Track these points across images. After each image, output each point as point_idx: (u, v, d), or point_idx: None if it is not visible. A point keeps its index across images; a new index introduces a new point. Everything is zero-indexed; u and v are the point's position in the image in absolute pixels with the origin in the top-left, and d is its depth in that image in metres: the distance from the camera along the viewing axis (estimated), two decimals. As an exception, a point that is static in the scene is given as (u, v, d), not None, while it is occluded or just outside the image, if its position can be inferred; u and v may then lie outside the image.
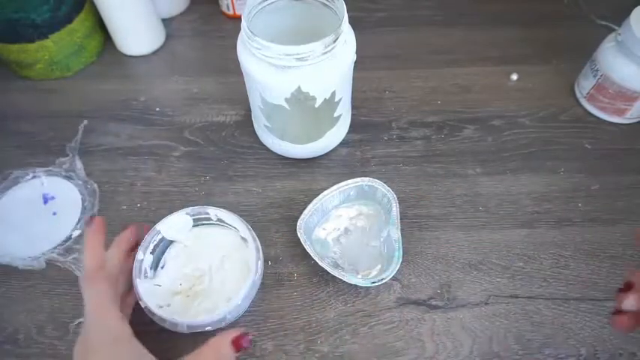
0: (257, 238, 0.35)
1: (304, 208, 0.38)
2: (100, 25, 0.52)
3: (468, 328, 0.35)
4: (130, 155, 0.45)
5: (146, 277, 0.33)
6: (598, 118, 0.47)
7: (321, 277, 0.37)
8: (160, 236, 0.35)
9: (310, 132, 0.41)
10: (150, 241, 0.34)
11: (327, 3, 0.36)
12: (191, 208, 0.36)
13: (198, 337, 0.30)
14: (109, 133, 0.46)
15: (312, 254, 0.35)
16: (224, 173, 0.43)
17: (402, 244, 0.36)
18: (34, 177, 0.43)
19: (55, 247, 0.39)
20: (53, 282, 0.38)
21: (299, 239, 0.36)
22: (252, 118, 0.44)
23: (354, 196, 0.40)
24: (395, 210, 0.37)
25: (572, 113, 0.47)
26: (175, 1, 0.57)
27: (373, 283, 0.34)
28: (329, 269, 0.35)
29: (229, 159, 0.44)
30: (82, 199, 0.41)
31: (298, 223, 0.37)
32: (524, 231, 0.39)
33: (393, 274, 0.35)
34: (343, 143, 0.45)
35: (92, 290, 0.28)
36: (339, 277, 0.35)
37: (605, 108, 0.46)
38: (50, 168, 0.43)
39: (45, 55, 0.48)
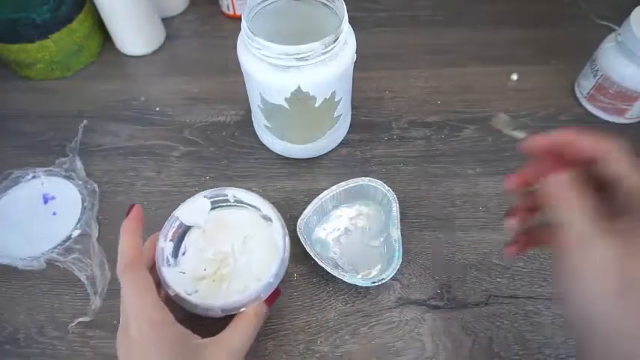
0: (280, 215, 0.34)
1: (304, 208, 0.38)
2: (99, 25, 0.52)
3: (468, 328, 0.35)
4: (130, 155, 0.45)
5: (169, 265, 0.32)
6: (598, 118, 0.47)
7: (321, 277, 0.37)
8: (178, 222, 0.34)
9: (310, 132, 0.41)
10: (169, 228, 0.33)
11: (327, 3, 0.36)
12: (209, 190, 0.35)
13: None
14: (109, 133, 0.46)
15: (312, 254, 0.35)
16: (224, 173, 0.43)
17: (402, 244, 0.36)
18: (34, 177, 0.43)
19: (55, 247, 0.39)
20: (53, 282, 0.38)
21: (299, 239, 0.36)
22: (252, 118, 0.44)
23: (355, 196, 0.40)
24: (395, 210, 0.37)
25: (572, 113, 0.47)
26: (175, 1, 0.57)
27: (373, 283, 0.34)
28: (329, 269, 0.35)
29: (229, 159, 0.44)
30: (82, 199, 0.41)
31: (298, 224, 0.37)
32: (525, 231, 0.39)
33: (393, 274, 0.35)
34: (343, 143, 0.45)
35: (132, 278, 0.27)
36: (340, 277, 0.35)
37: (605, 108, 0.45)
38: (50, 168, 0.43)
39: (45, 55, 0.48)
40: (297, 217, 0.38)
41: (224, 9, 0.57)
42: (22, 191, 0.42)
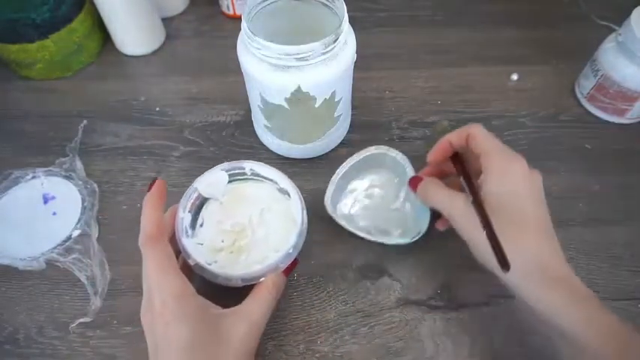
0: (298, 189, 0.34)
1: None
2: (99, 25, 0.52)
3: (468, 328, 0.35)
4: (130, 155, 0.45)
5: (187, 236, 0.33)
6: (598, 118, 0.47)
7: (321, 277, 0.37)
8: (196, 194, 0.34)
9: (310, 132, 0.41)
10: (187, 199, 0.33)
11: (327, 3, 0.36)
12: (226, 163, 0.35)
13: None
14: (109, 133, 0.46)
15: (350, 229, 0.38)
16: (224, 173, 0.43)
17: None
18: (34, 177, 0.43)
19: (55, 247, 0.39)
20: (53, 282, 0.38)
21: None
22: (252, 118, 0.44)
23: (365, 168, 0.41)
24: (409, 170, 0.39)
25: (572, 113, 0.47)
26: (175, 1, 0.57)
27: (413, 238, 0.36)
28: (370, 237, 0.37)
29: (229, 159, 0.44)
30: (82, 199, 0.41)
31: (326, 202, 0.38)
32: (525, 231, 0.39)
33: (427, 226, 0.37)
34: (343, 143, 0.45)
35: (154, 252, 0.28)
36: (382, 242, 0.37)
37: (605, 108, 0.45)
38: (50, 168, 0.43)
39: (45, 55, 0.48)
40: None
41: (224, 9, 0.56)
42: (22, 191, 0.42)
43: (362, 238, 0.38)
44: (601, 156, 0.44)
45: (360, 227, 0.39)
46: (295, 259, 0.32)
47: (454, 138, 0.34)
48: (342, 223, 0.38)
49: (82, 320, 0.36)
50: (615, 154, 0.44)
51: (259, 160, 0.44)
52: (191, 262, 0.31)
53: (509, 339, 0.35)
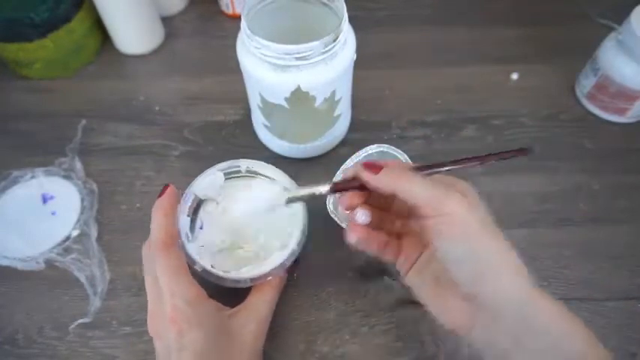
0: (297, 185, 0.34)
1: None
2: (98, 25, 0.52)
3: (468, 328, 0.35)
4: (130, 155, 0.45)
5: (189, 240, 0.33)
6: (598, 117, 0.46)
7: (322, 277, 0.37)
8: (193, 197, 0.34)
9: (310, 132, 0.41)
10: (185, 203, 0.34)
11: (327, 2, 0.36)
12: (224, 163, 0.35)
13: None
14: (108, 133, 0.46)
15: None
16: (224, 173, 0.43)
17: None
18: (33, 177, 0.43)
19: (54, 247, 0.38)
20: (53, 282, 0.37)
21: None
22: (252, 118, 0.44)
23: None
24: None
25: (572, 112, 0.47)
26: (175, 0, 0.57)
27: None
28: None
29: (229, 159, 0.44)
30: (81, 198, 0.41)
31: (327, 205, 0.37)
32: (525, 231, 0.39)
33: None
34: (343, 143, 0.45)
35: (167, 259, 0.28)
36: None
37: (605, 107, 0.45)
38: (49, 168, 0.43)
39: (44, 55, 0.48)
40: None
41: (223, 8, 0.56)
42: (21, 191, 0.42)
43: None
44: (601, 156, 0.44)
45: None
46: (297, 258, 0.33)
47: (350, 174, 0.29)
48: (343, 224, 0.37)
49: (81, 320, 0.35)
50: (615, 154, 0.44)
51: (259, 159, 0.44)
52: (198, 268, 0.31)
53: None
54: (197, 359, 0.26)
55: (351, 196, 0.29)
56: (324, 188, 0.29)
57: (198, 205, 0.35)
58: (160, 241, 0.28)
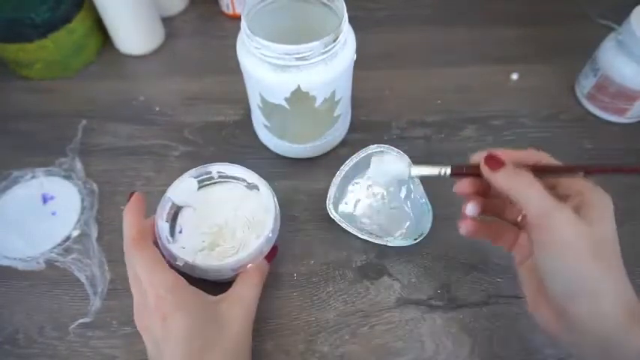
0: (265, 181, 0.36)
1: (304, 208, 0.38)
2: (99, 25, 0.52)
3: (468, 328, 0.35)
4: (130, 155, 0.45)
5: (169, 242, 0.34)
6: (598, 117, 0.46)
7: (321, 277, 0.37)
8: (170, 203, 0.35)
9: (310, 132, 0.41)
10: (163, 208, 0.35)
11: (327, 3, 0.36)
12: (193, 170, 0.37)
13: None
14: (109, 133, 0.46)
15: (353, 231, 0.37)
16: (224, 173, 0.43)
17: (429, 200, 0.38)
18: (33, 177, 0.43)
19: (54, 247, 0.39)
20: (53, 282, 0.37)
21: (298, 239, 0.36)
22: (252, 118, 0.44)
23: (364, 167, 0.40)
24: (409, 167, 0.38)
25: (572, 113, 0.47)
26: (175, 0, 0.57)
27: (415, 240, 0.36)
28: (373, 239, 0.37)
29: (229, 159, 0.44)
30: (81, 199, 0.41)
31: (328, 207, 0.38)
32: (525, 231, 0.39)
33: (430, 226, 0.37)
34: (343, 143, 0.45)
35: (142, 253, 0.29)
36: (385, 244, 0.37)
37: (605, 107, 0.45)
38: (50, 168, 0.43)
39: (44, 55, 0.48)
40: (297, 217, 0.38)
41: (224, 8, 0.56)
42: (22, 191, 0.42)
43: (362, 239, 0.38)
44: (601, 156, 0.44)
45: (361, 228, 0.39)
46: (275, 246, 0.34)
47: (515, 157, 0.28)
48: (344, 225, 0.38)
49: (81, 320, 0.35)
50: (615, 154, 0.44)
51: (259, 159, 0.44)
52: (179, 263, 0.32)
53: (509, 339, 0.34)
54: (182, 342, 0.27)
55: (466, 184, 0.30)
56: (446, 170, 0.29)
57: (177, 211, 0.37)
58: (131, 239, 0.29)
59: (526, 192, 0.25)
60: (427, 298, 0.36)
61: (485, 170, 0.27)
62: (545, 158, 0.28)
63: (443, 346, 0.34)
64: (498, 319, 0.35)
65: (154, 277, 0.28)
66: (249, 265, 0.33)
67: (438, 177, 0.30)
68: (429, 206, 0.38)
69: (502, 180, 0.27)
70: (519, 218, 0.30)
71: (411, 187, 0.39)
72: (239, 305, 0.31)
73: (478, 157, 0.28)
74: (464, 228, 0.30)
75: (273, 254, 0.34)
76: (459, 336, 0.35)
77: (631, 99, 0.43)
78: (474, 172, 0.28)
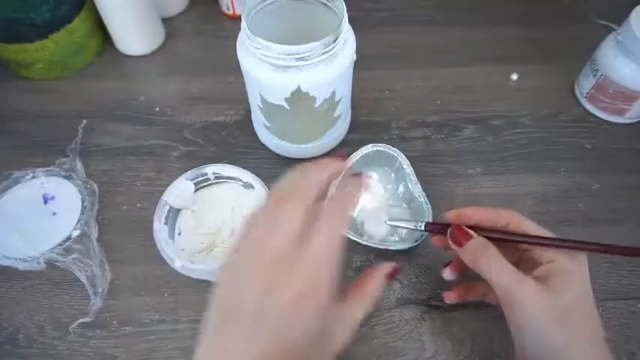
0: (260, 180, 0.36)
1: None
2: (99, 25, 0.52)
3: (468, 328, 0.35)
4: (130, 155, 0.45)
5: (168, 245, 0.34)
6: (598, 117, 0.47)
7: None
8: (167, 207, 0.36)
9: (310, 132, 0.41)
10: (161, 212, 0.35)
11: (327, 3, 0.36)
12: (189, 172, 0.37)
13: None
14: (109, 133, 0.46)
15: (353, 238, 0.37)
16: (224, 173, 0.43)
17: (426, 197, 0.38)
18: (33, 177, 0.43)
19: (54, 247, 0.39)
20: (53, 282, 0.38)
21: None
22: (252, 118, 0.44)
23: (360, 167, 0.41)
24: (406, 166, 0.39)
25: (572, 113, 0.47)
26: (175, 0, 0.57)
27: (416, 241, 0.37)
28: (374, 244, 0.37)
29: (229, 159, 0.44)
30: (81, 199, 0.41)
31: None
32: (525, 231, 0.39)
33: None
34: (343, 143, 0.45)
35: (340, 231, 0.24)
36: (387, 248, 0.37)
37: (605, 108, 0.45)
38: (50, 168, 0.43)
39: (45, 55, 0.48)
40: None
41: (224, 9, 0.56)
42: (22, 191, 0.42)
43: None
44: (601, 156, 0.44)
45: (361, 230, 0.39)
46: (397, 266, 0.28)
47: (486, 216, 0.30)
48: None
49: (82, 320, 0.36)
50: (615, 154, 0.44)
51: (259, 159, 0.44)
52: (177, 264, 0.32)
53: (509, 339, 0.34)
54: (297, 344, 0.22)
55: (441, 239, 0.32)
56: (420, 225, 0.33)
57: (175, 214, 0.37)
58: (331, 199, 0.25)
59: (490, 270, 0.27)
60: (427, 298, 0.36)
61: (451, 243, 0.29)
62: (515, 218, 0.29)
63: (443, 346, 0.34)
64: (498, 319, 0.35)
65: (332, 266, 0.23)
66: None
67: (414, 229, 0.33)
68: (428, 205, 0.38)
69: (467, 256, 0.28)
70: None
71: (409, 186, 0.39)
72: (350, 328, 0.25)
73: (453, 214, 0.30)
74: (448, 299, 0.33)
75: (394, 272, 0.28)
76: (459, 336, 0.35)
77: (631, 99, 0.43)
78: (444, 231, 0.30)
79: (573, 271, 0.27)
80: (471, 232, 0.29)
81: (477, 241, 0.29)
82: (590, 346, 0.25)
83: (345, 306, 0.25)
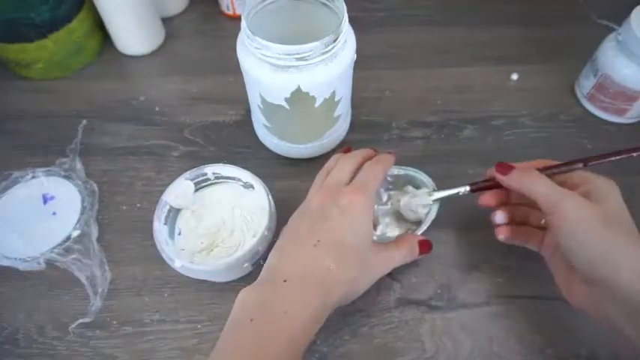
0: (260, 180, 0.37)
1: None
2: (99, 25, 0.52)
3: (468, 328, 0.35)
4: (130, 155, 0.45)
5: (167, 245, 0.34)
6: (598, 117, 0.46)
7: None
8: (167, 207, 0.36)
9: (310, 132, 0.41)
10: (160, 212, 0.35)
11: (327, 3, 0.36)
12: (189, 172, 0.37)
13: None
14: (109, 133, 0.46)
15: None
16: (224, 173, 0.43)
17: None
18: (33, 177, 0.43)
19: (54, 248, 0.39)
20: (53, 282, 0.38)
21: None
22: (252, 118, 0.44)
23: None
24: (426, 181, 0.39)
25: (572, 113, 0.47)
26: (175, 0, 0.57)
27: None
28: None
29: (229, 159, 0.44)
30: (81, 199, 0.41)
31: None
32: (525, 231, 0.39)
33: (427, 226, 0.36)
34: (343, 143, 0.45)
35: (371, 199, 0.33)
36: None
37: (605, 108, 0.45)
38: (50, 168, 0.43)
39: (44, 55, 0.48)
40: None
41: (224, 9, 0.56)
42: (22, 191, 0.42)
43: None
44: (601, 156, 0.44)
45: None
46: (427, 240, 0.35)
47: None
48: None
49: (81, 320, 0.36)
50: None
51: (259, 159, 0.44)
52: (177, 264, 0.33)
53: (509, 339, 0.34)
54: (343, 286, 0.30)
55: (490, 195, 0.35)
56: (464, 189, 0.35)
57: (175, 214, 0.37)
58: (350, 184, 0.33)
59: (536, 187, 0.30)
60: (427, 298, 0.36)
61: (498, 176, 0.32)
62: (546, 161, 0.33)
63: (443, 346, 0.34)
64: (498, 319, 0.35)
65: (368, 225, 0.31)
66: (246, 264, 0.33)
67: (458, 195, 0.35)
68: (428, 177, 0.38)
69: (514, 181, 0.31)
70: (542, 221, 0.34)
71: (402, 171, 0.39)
72: (390, 264, 0.33)
73: (489, 172, 0.33)
74: (502, 234, 0.34)
75: (426, 247, 0.35)
76: (459, 336, 0.35)
77: (631, 99, 0.43)
78: (490, 184, 0.34)
79: (609, 187, 0.30)
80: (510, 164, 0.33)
81: (520, 166, 0.32)
82: (635, 247, 0.27)
83: (385, 247, 0.33)
